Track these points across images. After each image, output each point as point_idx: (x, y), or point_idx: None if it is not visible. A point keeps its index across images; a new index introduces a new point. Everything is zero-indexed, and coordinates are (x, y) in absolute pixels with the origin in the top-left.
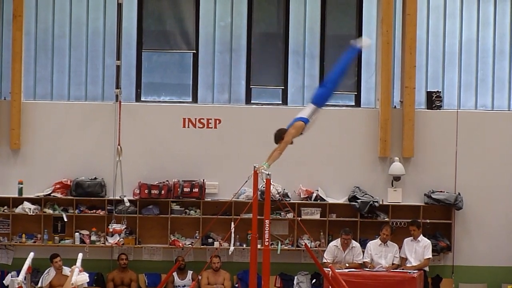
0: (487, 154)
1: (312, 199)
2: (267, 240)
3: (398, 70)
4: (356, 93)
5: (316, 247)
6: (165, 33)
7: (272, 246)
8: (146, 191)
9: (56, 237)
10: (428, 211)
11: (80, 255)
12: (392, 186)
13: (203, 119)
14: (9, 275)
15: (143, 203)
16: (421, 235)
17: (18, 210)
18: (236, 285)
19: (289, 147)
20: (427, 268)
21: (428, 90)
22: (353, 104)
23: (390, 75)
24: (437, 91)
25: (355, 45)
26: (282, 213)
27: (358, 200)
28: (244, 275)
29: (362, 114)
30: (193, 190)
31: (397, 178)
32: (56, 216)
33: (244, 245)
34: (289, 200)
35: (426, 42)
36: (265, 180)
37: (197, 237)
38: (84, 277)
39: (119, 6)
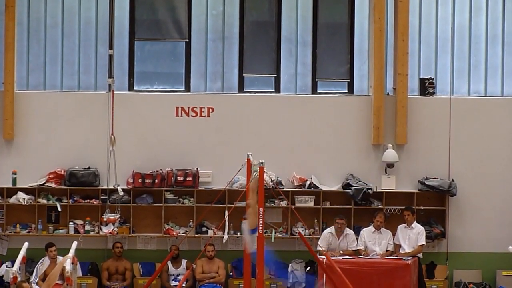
0: (481, 140)
1: (306, 186)
2: (261, 228)
3: (390, 57)
4: (349, 80)
5: (310, 234)
6: (157, 22)
7: (266, 234)
8: (139, 180)
9: (50, 227)
10: (422, 198)
11: (74, 244)
12: (386, 173)
13: (196, 107)
14: (4, 265)
15: (136, 192)
16: (415, 221)
17: (12, 200)
18: (231, 273)
19: (283, 133)
20: (420, 255)
21: (421, 76)
22: (346, 91)
23: (383, 62)
24: (430, 78)
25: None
26: (276, 201)
27: (352, 188)
28: (239, 263)
29: (355, 101)
30: (187, 179)
31: (390, 165)
32: (50, 206)
33: (238, 234)
34: (283, 188)
35: (419, 28)
36: (258, 168)
37: (191, 226)
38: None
39: None
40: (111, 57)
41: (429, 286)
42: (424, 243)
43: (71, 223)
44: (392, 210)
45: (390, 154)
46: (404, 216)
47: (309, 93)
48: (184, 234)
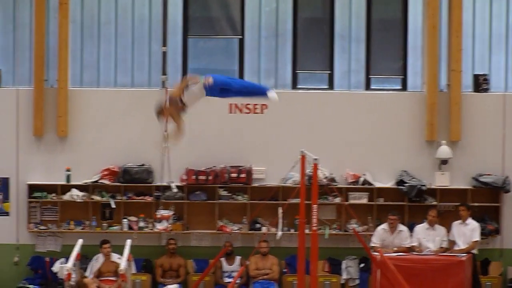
0: None
1: (360, 183)
2: (315, 225)
3: (444, 53)
4: (402, 76)
5: (364, 231)
6: (211, 19)
7: (320, 230)
8: (193, 177)
9: (104, 224)
10: (476, 195)
11: (128, 242)
12: (440, 169)
13: (249, 104)
14: (58, 262)
15: (190, 189)
16: (470, 218)
17: (66, 197)
18: (285, 270)
19: (336, 129)
20: (476, 251)
21: (475, 73)
22: (400, 88)
23: (436, 58)
24: (484, 74)
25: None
26: (329, 198)
27: (406, 184)
28: (292, 260)
29: (409, 98)
30: (240, 176)
31: (444, 162)
32: (104, 203)
33: (292, 230)
34: (337, 185)
35: (473, 24)
36: (312, 165)
37: (245, 223)
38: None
39: None
40: (164, 54)
41: (483, 283)
42: (478, 239)
43: (125, 220)
44: (446, 207)
45: (444, 150)
46: (459, 212)
47: (362, 90)
48: (238, 230)
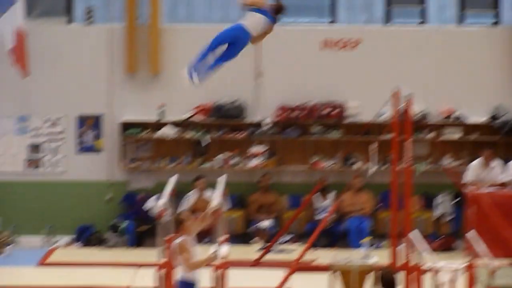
0: None
1: (453, 119)
2: (408, 160)
3: None
4: (496, 10)
5: (457, 167)
6: None
7: (414, 166)
8: (286, 113)
9: (197, 160)
10: None
11: (222, 178)
12: None
13: (342, 40)
14: (152, 199)
15: (283, 125)
16: None
17: (160, 134)
18: (378, 206)
19: (430, 64)
20: None
21: None
22: (494, 22)
23: None
24: None
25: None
26: (422, 134)
27: (499, 120)
28: (386, 196)
29: (503, 33)
30: (334, 112)
31: None
32: (197, 139)
33: (386, 166)
34: (430, 120)
35: None
36: (405, 101)
37: (338, 159)
38: (227, 249)
39: None
40: None
41: None
42: None
43: (218, 157)
44: None
45: None
46: None
47: (456, 24)
48: (331, 166)
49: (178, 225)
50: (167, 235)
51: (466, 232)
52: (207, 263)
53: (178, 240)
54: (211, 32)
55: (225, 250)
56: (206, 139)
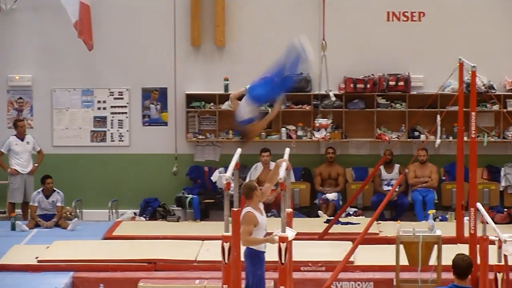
0: None
1: None
2: (473, 132)
3: None
4: None
5: None
6: None
7: (479, 138)
8: (351, 85)
9: (262, 133)
10: None
11: (287, 150)
12: None
13: (407, 12)
14: (217, 171)
15: (348, 97)
16: None
17: (225, 106)
18: (443, 178)
19: (495, 36)
20: None
21: None
22: None
23: None
24: None
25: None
26: (488, 105)
27: None
28: (451, 168)
29: None
30: (399, 84)
31: None
32: (263, 112)
33: (451, 138)
34: (495, 92)
35: None
36: (470, 72)
37: (403, 131)
38: (292, 234)
39: None
40: None
41: None
42: None
43: (283, 129)
44: None
45: None
46: None
47: None
48: (396, 138)
49: (245, 197)
50: (232, 207)
51: None
52: (263, 243)
53: (244, 211)
54: (275, 4)
55: (290, 234)
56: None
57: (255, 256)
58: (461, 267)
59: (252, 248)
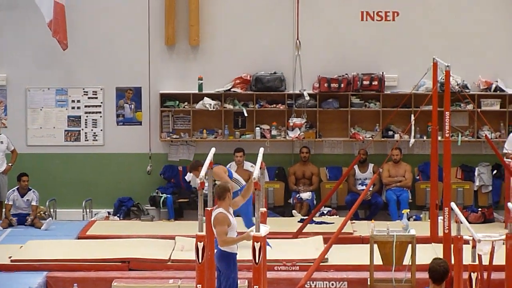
0: None
1: (492, 90)
2: (447, 131)
3: None
4: None
5: (496, 138)
6: None
7: (453, 137)
8: (325, 84)
9: (236, 132)
10: None
11: (261, 150)
12: None
13: (381, 11)
14: None
15: (322, 96)
16: None
17: (199, 106)
18: (417, 177)
19: (468, 36)
20: None
21: None
22: None
23: None
24: None
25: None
26: (462, 105)
27: None
28: (425, 167)
29: None
30: (373, 83)
31: None
32: (237, 111)
33: (425, 137)
34: (469, 92)
35: None
36: (444, 72)
37: (377, 130)
38: (265, 229)
39: None
40: None
41: None
42: None
43: (257, 128)
44: None
45: None
46: None
47: None
48: (370, 138)
49: (218, 197)
50: (206, 207)
51: (505, 203)
52: (240, 241)
53: (216, 212)
54: (248, 4)
55: (264, 229)
56: (245, 111)
57: (228, 258)
58: (438, 272)
59: (225, 250)
